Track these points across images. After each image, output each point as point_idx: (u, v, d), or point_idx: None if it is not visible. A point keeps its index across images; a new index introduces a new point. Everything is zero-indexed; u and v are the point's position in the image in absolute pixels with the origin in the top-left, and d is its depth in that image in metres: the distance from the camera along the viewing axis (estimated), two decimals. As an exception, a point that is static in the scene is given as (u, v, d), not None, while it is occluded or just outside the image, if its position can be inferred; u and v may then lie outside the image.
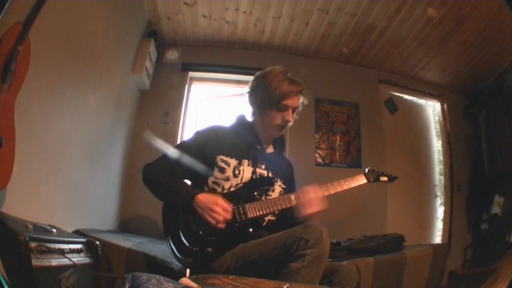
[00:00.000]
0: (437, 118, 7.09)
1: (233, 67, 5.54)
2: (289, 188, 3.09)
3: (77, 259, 2.54)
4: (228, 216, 2.62)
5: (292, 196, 2.80)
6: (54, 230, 2.51)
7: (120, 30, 4.50)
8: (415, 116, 7.13)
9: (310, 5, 5.10)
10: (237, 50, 5.87)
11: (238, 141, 3.00)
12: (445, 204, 6.49)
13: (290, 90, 2.98)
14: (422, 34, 5.92)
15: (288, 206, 2.78)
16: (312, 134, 6.10)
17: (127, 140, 4.85)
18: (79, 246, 2.63)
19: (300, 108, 3.13)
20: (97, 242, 2.80)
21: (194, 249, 2.63)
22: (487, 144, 6.23)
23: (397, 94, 7.01)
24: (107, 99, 4.26)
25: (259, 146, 3.04)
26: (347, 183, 2.97)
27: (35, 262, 2.14)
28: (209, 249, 2.63)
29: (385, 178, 3.33)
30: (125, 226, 4.41)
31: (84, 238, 2.81)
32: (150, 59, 5.06)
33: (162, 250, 2.89)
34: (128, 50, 4.80)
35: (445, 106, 7.19)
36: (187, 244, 2.65)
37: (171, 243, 2.69)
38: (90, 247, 2.72)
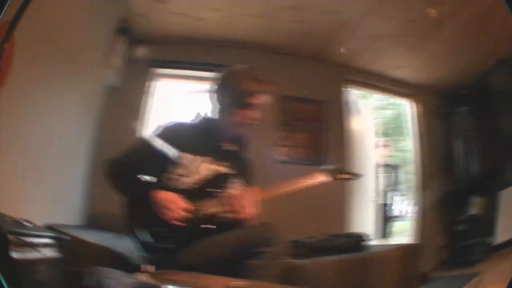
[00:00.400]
0: (409, 117, 7.39)
1: (202, 64, 5.73)
2: (250, 185, 3.26)
3: (50, 253, 2.68)
4: (186, 213, 2.78)
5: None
6: (29, 224, 2.64)
7: (96, 27, 4.72)
8: (385, 114, 7.31)
9: (281, 2, 5.33)
10: (206, 47, 6.09)
11: (199, 137, 3.16)
12: (416, 204, 6.74)
13: (257, 89, 3.14)
14: (400, 32, 6.16)
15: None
16: (276, 131, 6.37)
17: (96, 135, 5.01)
18: (51, 241, 2.76)
19: (267, 107, 3.27)
20: (67, 237, 2.96)
21: (157, 245, 2.79)
22: (465, 144, 6.43)
23: (366, 92, 7.44)
24: (80, 94, 4.44)
25: (219, 143, 3.20)
26: (304, 181, 3.17)
27: (13, 255, 2.20)
28: (171, 245, 2.79)
29: (349, 176, 3.54)
30: (92, 221, 4.58)
31: (55, 233, 2.94)
32: (122, 56, 5.26)
33: (127, 245, 3.00)
34: (102, 46, 4.98)
35: (417, 105, 7.54)
36: (149, 240, 2.80)
37: (134, 239, 2.86)
38: (60, 242, 2.84)
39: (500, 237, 5.47)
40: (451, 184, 6.61)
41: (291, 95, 6.57)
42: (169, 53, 5.95)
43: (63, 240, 2.91)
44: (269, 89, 3.26)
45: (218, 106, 3.26)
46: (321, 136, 6.65)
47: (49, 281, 2.44)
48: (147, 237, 2.82)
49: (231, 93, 3.18)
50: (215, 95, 3.26)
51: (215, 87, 3.27)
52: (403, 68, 7.17)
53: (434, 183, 6.16)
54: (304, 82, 6.71)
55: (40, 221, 3.20)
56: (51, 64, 3.55)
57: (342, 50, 6.11)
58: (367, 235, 5.47)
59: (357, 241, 5.29)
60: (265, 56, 6.46)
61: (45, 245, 2.71)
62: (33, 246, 2.55)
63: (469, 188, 6.02)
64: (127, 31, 5.40)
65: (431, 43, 6.39)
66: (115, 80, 5.20)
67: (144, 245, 2.83)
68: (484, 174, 6.12)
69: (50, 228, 3.27)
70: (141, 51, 5.62)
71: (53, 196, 3.93)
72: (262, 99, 3.16)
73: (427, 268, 5.76)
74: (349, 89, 7.14)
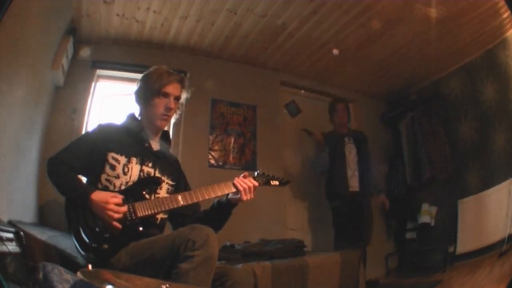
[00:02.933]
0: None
1: (138, 66, 5.73)
2: (178, 184, 3.59)
3: (11, 247, 2.99)
4: (119, 215, 2.95)
5: (179, 197, 3.20)
6: None
7: (49, 27, 4.95)
8: (324, 119, 7.37)
9: (219, 5, 5.57)
10: (143, 49, 6.39)
11: (127, 138, 3.42)
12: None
13: (170, 78, 3.49)
14: (338, 37, 6.38)
15: (176, 206, 3.17)
16: (206, 135, 6.57)
17: (44, 134, 5.21)
18: (11, 235, 3.09)
19: (182, 100, 3.67)
20: (22, 233, 3.23)
21: (93, 245, 2.91)
22: (412, 150, 6.65)
23: (303, 96, 7.56)
24: (30, 93, 4.59)
25: (146, 144, 3.46)
26: (216, 190, 3.33)
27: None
28: (106, 246, 2.92)
29: (276, 182, 3.71)
30: (43, 219, 4.77)
31: (15, 228, 3.26)
32: (67, 56, 5.46)
33: (71, 244, 3.07)
34: (51, 46, 5.17)
35: (359, 109, 7.73)
36: (86, 240, 2.92)
37: (73, 238, 2.98)
38: (17, 237, 3.15)
39: (461, 246, 5.75)
40: (399, 191, 6.89)
41: (224, 99, 6.85)
42: (110, 55, 6.16)
43: (20, 236, 3.20)
44: (183, 80, 3.61)
45: (139, 106, 3.60)
46: (252, 141, 6.89)
47: (16, 274, 2.74)
48: (83, 236, 2.95)
49: (146, 87, 3.50)
50: (135, 96, 3.60)
51: (136, 88, 3.59)
52: (345, 73, 7.48)
53: (381, 190, 6.31)
54: (238, 86, 7.02)
55: (3, 217, 3.49)
56: (8, 62, 3.70)
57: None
58: (302, 241, 5.62)
59: (292, 247, 5.42)
60: (200, 60, 6.75)
61: (8, 239, 3.02)
62: (1, 239, 2.88)
63: (416, 195, 6.24)
64: (74, 32, 5.66)
65: (373, 50, 6.68)
66: (60, 80, 5.44)
67: (81, 244, 2.95)
68: (436, 182, 6.38)
69: (11, 224, 3.56)
70: (84, 52, 5.88)
71: (10, 193, 4.11)
72: (173, 89, 3.49)
73: (376, 275, 6.07)
74: (284, 93, 7.42)
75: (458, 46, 6.36)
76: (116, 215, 2.94)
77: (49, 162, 3.19)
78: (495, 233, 5.18)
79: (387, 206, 6.28)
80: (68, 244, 3.24)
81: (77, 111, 5.69)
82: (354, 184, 6.24)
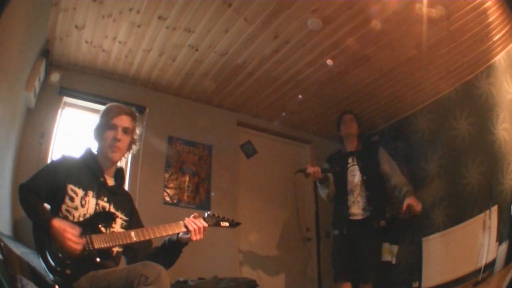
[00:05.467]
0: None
1: (101, 97, 6.07)
2: (131, 220, 3.77)
3: None
4: (77, 246, 3.07)
5: (132, 233, 3.37)
6: None
7: (27, 47, 5.05)
8: (281, 159, 7.72)
9: (182, 40, 5.76)
10: (108, 80, 6.55)
11: (85, 172, 3.59)
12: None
13: (118, 111, 3.74)
14: (299, 77, 6.57)
15: (129, 242, 3.34)
16: (161, 173, 6.67)
17: (16, 153, 5.28)
18: None
19: (137, 135, 3.90)
20: (2, 244, 3.21)
21: (57, 268, 3.03)
22: None
23: (260, 136, 7.72)
24: (7, 111, 4.66)
25: (102, 179, 3.63)
26: (167, 229, 3.49)
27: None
28: (68, 271, 3.05)
29: (226, 224, 3.88)
30: (16, 233, 4.77)
31: None
32: (39, 79, 5.54)
33: (40, 264, 3.16)
34: (27, 66, 5.25)
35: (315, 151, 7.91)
36: (52, 263, 3.04)
37: (41, 260, 3.09)
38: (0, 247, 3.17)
39: (427, 281, 5.83)
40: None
41: (181, 137, 6.98)
42: (77, 83, 6.27)
43: (1, 245, 3.19)
44: (131, 112, 3.83)
45: (95, 141, 3.80)
46: (207, 180, 7.01)
47: (1, 280, 2.70)
48: (49, 259, 3.05)
49: (99, 123, 3.77)
50: (93, 131, 3.82)
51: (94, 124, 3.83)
52: (304, 114, 7.64)
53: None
54: (194, 125, 7.19)
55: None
56: None
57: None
58: (254, 281, 5.76)
59: (244, 286, 5.52)
60: (160, 96, 6.97)
61: None
62: None
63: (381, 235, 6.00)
64: (47, 54, 5.75)
65: (334, 89, 6.86)
66: (31, 102, 5.52)
67: (47, 266, 3.05)
68: (397, 222, 6.35)
69: None
70: (54, 77, 6.01)
71: None
72: (120, 121, 3.71)
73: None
74: (240, 133, 7.60)
75: (431, 81, 6.56)
76: (74, 246, 3.07)
77: (20, 188, 3.33)
78: (466, 265, 5.26)
79: (417, 207, 5.46)
80: (38, 263, 3.28)
81: (45, 135, 5.75)
82: (356, 211, 5.81)
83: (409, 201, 5.52)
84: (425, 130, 6.95)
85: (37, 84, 5.47)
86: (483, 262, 4.96)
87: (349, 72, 6.42)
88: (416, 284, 5.95)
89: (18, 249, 3.86)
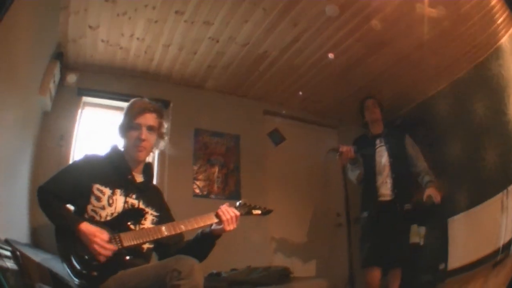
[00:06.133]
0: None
1: (123, 94, 5.82)
2: (162, 214, 3.68)
3: (10, 264, 3.07)
4: (107, 248, 3.04)
5: (163, 228, 3.29)
6: None
7: (38, 51, 4.99)
8: (309, 145, 7.60)
9: (202, 33, 5.68)
10: (128, 78, 6.42)
11: (111, 170, 3.51)
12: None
13: (141, 109, 3.60)
14: (320, 64, 6.49)
15: (160, 237, 3.26)
16: (190, 165, 6.63)
17: (33, 158, 5.22)
18: (9, 253, 3.18)
19: (164, 130, 3.78)
20: (18, 253, 3.32)
21: (83, 271, 2.99)
22: None
23: (287, 124, 7.53)
24: (19, 117, 4.60)
25: (129, 176, 3.57)
26: (198, 221, 3.41)
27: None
28: (95, 273, 3.01)
29: (258, 211, 3.81)
30: (35, 240, 4.76)
31: (11, 247, 3.36)
32: (54, 81, 5.46)
33: (63, 268, 3.15)
34: (39, 70, 5.18)
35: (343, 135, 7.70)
36: (77, 266, 3.00)
37: (65, 264, 3.07)
38: (14, 256, 3.24)
39: (452, 262, 5.70)
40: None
41: (207, 129, 6.91)
42: (96, 82, 6.17)
43: (16, 255, 3.28)
44: (155, 108, 3.68)
45: (122, 139, 3.69)
46: (236, 171, 6.96)
47: (1, 280, 2.73)
48: (74, 262, 3.03)
49: (123, 121, 3.64)
50: (118, 129, 3.70)
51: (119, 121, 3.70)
52: (327, 100, 7.56)
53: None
54: (220, 116, 7.09)
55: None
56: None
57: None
58: (287, 268, 5.76)
59: (277, 274, 5.54)
60: (183, 90, 6.87)
61: (6, 257, 3.11)
62: (0, 256, 2.98)
63: (403, 217, 5.86)
64: (61, 57, 5.66)
65: (356, 75, 6.75)
66: (47, 106, 5.46)
67: (72, 270, 3.03)
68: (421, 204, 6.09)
69: (7, 242, 3.60)
70: (70, 78, 5.91)
71: (6, 214, 4.14)
72: (144, 119, 3.58)
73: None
74: (267, 122, 7.46)
75: (445, 64, 6.48)
76: (103, 252, 3.03)
77: (39, 190, 3.27)
78: (487, 245, 5.07)
79: (436, 198, 5.58)
80: (60, 268, 3.29)
81: (65, 137, 5.69)
82: (385, 192, 5.82)
83: (430, 191, 5.60)
84: (444, 113, 6.81)
85: (52, 87, 5.41)
86: (501, 242, 4.85)
87: (368, 57, 6.31)
88: (442, 266, 5.81)
89: (38, 256, 3.89)
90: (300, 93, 7.19)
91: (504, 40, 5.70)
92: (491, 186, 5.66)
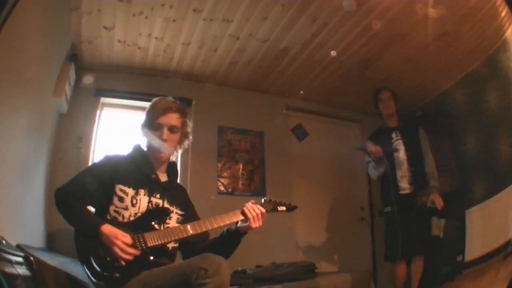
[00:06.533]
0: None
1: (143, 94, 5.88)
2: (187, 213, 3.65)
3: (21, 270, 2.98)
4: (127, 256, 3.00)
5: (188, 226, 3.25)
6: (3, 241, 2.97)
7: (50, 53, 4.96)
8: (332, 139, 7.58)
9: (221, 30, 5.65)
10: (148, 76, 6.43)
11: (134, 170, 3.48)
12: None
13: (162, 109, 3.55)
14: (341, 58, 6.44)
15: (185, 236, 3.23)
16: (214, 163, 6.63)
17: (49, 161, 5.22)
18: (21, 259, 3.07)
19: (188, 129, 3.75)
20: (31, 258, 3.20)
21: (104, 273, 2.95)
22: None
23: (310, 119, 7.53)
24: (32, 120, 4.56)
25: (153, 175, 3.53)
26: (224, 219, 3.38)
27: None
28: (117, 275, 2.96)
29: (283, 208, 3.74)
30: (51, 244, 4.79)
31: (24, 253, 3.24)
32: (69, 83, 5.46)
33: (82, 271, 3.10)
34: (53, 72, 5.18)
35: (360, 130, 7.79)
36: (98, 268, 2.96)
37: (85, 267, 3.02)
38: (27, 261, 3.14)
39: (469, 254, 5.73)
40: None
41: (230, 126, 6.90)
42: (114, 82, 6.16)
43: (30, 261, 3.18)
44: (177, 108, 3.63)
45: (144, 138, 3.65)
46: (260, 167, 6.94)
47: (1, 280, 2.64)
48: (94, 265, 2.99)
49: (145, 120, 3.62)
50: (141, 128, 3.67)
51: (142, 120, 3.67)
52: (349, 94, 7.50)
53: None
54: (243, 113, 7.09)
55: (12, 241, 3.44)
56: (10, 89, 3.70)
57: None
58: (313, 263, 5.71)
59: (303, 270, 5.51)
60: (205, 87, 6.80)
61: (17, 263, 3.01)
62: (10, 262, 2.87)
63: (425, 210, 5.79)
64: (76, 58, 5.65)
65: (376, 68, 6.73)
66: (63, 108, 5.47)
67: (92, 273, 2.99)
68: (443, 196, 5.97)
69: (19, 248, 3.56)
70: (87, 79, 5.89)
71: (19, 219, 4.16)
72: (166, 119, 3.54)
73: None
74: (290, 117, 7.44)
75: (460, 57, 6.36)
76: (124, 256, 3.00)
77: (57, 192, 3.25)
78: (501, 236, 5.01)
79: (439, 204, 5.56)
80: (79, 270, 3.29)
81: (83, 139, 5.70)
82: (404, 185, 5.78)
83: (433, 197, 5.57)
84: (461, 104, 6.79)
85: (67, 89, 5.40)
86: (511, 234, 4.84)
87: (387, 51, 6.28)
88: (459, 258, 5.84)
89: (54, 260, 3.89)
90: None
91: (508, 33, 5.67)
92: (505, 177, 5.67)
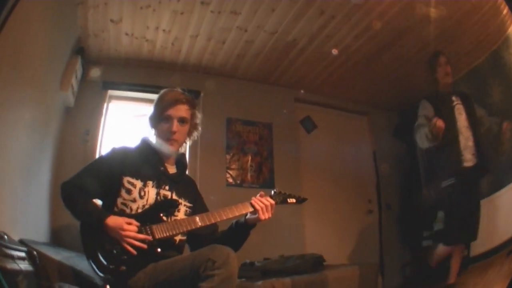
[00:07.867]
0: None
1: (151, 86, 5.90)
2: (196, 206, 3.57)
3: (24, 266, 2.95)
4: (137, 243, 2.96)
5: (197, 218, 3.18)
6: (5, 236, 2.94)
7: (55, 47, 4.90)
8: (340, 131, 7.56)
9: (229, 23, 5.62)
10: (156, 69, 6.43)
11: (143, 162, 3.40)
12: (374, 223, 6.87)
13: (171, 100, 3.47)
14: (349, 50, 6.39)
15: (193, 227, 3.15)
16: (223, 155, 6.59)
17: (55, 155, 5.19)
18: (23, 254, 3.06)
19: (197, 121, 3.65)
20: (35, 253, 3.21)
21: (110, 266, 2.89)
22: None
23: (318, 111, 7.50)
24: (38, 114, 4.55)
25: (162, 168, 3.46)
26: (233, 211, 3.30)
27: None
28: (123, 267, 2.90)
29: (293, 200, 3.67)
30: (56, 239, 4.75)
31: (27, 248, 3.23)
32: (76, 76, 5.44)
33: (87, 265, 3.04)
34: (59, 66, 5.16)
35: (372, 121, 7.71)
36: (104, 262, 2.90)
37: (90, 260, 2.95)
38: (30, 256, 3.13)
39: (474, 249, 5.62)
40: (416, 200, 6.64)
41: (239, 118, 6.87)
42: (122, 75, 6.18)
43: (33, 255, 3.18)
44: (187, 99, 3.54)
45: (153, 130, 3.58)
46: (269, 159, 6.91)
47: (1, 280, 2.60)
48: (100, 258, 2.94)
49: (154, 112, 3.54)
50: (149, 120, 3.60)
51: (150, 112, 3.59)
52: (357, 87, 7.44)
53: (391, 202, 6.06)
54: (252, 105, 7.06)
55: (15, 236, 3.45)
56: (4, 83, 3.57)
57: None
58: (321, 256, 5.63)
59: (311, 262, 5.44)
60: (213, 79, 6.74)
61: (20, 258, 2.98)
62: (12, 257, 2.84)
63: (431, 204, 5.93)
64: (82, 52, 5.64)
65: (384, 61, 6.64)
66: (70, 101, 5.46)
67: (98, 266, 2.93)
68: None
69: (22, 243, 3.52)
70: (94, 72, 5.87)
71: (22, 214, 4.12)
72: (175, 111, 3.46)
73: (393, 285, 6.04)
74: (298, 110, 7.40)
75: (464, 52, 6.31)
76: (135, 243, 2.96)
77: (62, 186, 3.20)
78: (506, 232, 5.04)
79: None
80: (84, 265, 3.27)
81: (90, 132, 5.69)
82: (468, 156, 5.20)
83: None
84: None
85: (74, 82, 5.37)
86: (513, 231, 4.73)
87: (395, 44, 6.24)
88: (465, 253, 5.66)
89: (59, 255, 3.84)
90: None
91: (510, 30, 5.63)
92: (509, 172, 5.60)
